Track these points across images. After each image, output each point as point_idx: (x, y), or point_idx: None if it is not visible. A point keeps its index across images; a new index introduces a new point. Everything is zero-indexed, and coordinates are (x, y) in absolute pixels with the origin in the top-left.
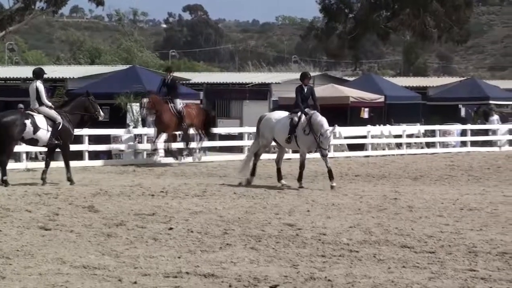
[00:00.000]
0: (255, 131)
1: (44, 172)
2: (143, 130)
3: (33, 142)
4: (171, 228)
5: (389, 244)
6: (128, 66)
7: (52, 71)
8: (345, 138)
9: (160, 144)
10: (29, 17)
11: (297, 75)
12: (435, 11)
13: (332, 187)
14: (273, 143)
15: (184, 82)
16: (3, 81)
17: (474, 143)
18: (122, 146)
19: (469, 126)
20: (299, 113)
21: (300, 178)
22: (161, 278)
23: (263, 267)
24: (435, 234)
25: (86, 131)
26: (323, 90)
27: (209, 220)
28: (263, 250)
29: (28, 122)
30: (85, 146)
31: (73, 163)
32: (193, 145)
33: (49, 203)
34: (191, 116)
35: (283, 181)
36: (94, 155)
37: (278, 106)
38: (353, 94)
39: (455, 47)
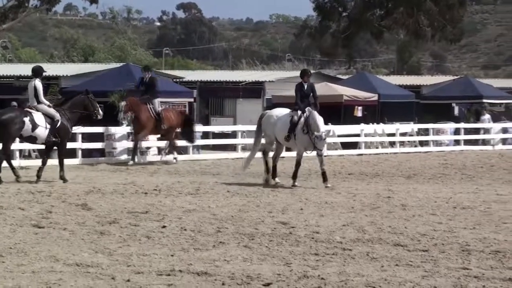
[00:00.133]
0: (248, 129)
1: (41, 169)
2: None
3: (32, 139)
4: (164, 226)
5: (382, 243)
6: (121, 64)
7: (46, 69)
8: (339, 136)
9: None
10: (22, 14)
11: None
12: (429, 10)
13: (326, 187)
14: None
15: (177, 80)
16: None
17: (467, 142)
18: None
19: (462, 125)
20: (299, 112)
21: (294, 176)
22: (154, 276)
23: (256, 265)
24: (428, 232)
25: (79, 129)
26: (316, 89)
27: (202, 218)
28: (256, 248)
29: (26, 119)
30: (78, 144)
31: (67, 161)
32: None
33: (42, 201)
34: (169, 120)
35: (277, 179)
36: (87, 153)
37: (272, 104)
38: (347, 92)
39: (449, 46)
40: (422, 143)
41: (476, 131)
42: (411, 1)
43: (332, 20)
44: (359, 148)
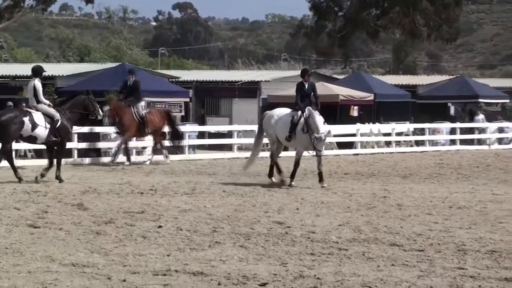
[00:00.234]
0: (244, 129)
1: (46, 169)
2: None
3: (32, 139)
4: (160, 226)
5: (378, 242)
6: (117, 63)
7: None
8: (335, 136)
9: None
10: (18, 14)
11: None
12: (425, 10)
13: (322, 187)
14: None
15: (173, 80)
16: None
17: (463, 141)
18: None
19: (458, 125)
20: (299, 112)
21: (292, 176)
22: (150, 276)
23: (252, 265)
24: (424, 232)
25: (75, 129)
26: None
27: (198, 218)
28: (252, 248)
29: (26, 119)
30: (74, 144)
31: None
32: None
33: (38, 201)
34: (154, 122)
35: (273, 178)
36: (83, 153)
37: (267, 104)
38: (343, 92)
39: (445, 46)
40: (418, 143)
41: (472, 131)
42: (407, 0)
43: (328, 19)
44: (355, 147)
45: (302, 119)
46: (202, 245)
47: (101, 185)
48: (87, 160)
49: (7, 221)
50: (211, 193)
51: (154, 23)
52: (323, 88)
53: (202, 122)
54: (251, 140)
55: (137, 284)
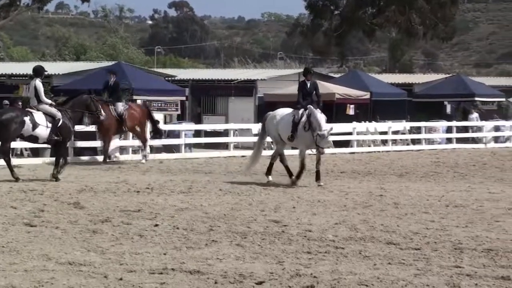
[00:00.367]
0: (240, 127)
1: (55, 168)
2: None
3: (33, 139)
4: (156, 225)
5: (375, 241)
6: (113, 62)
7: None
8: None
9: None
10: (14, 13)
11: (283, 72)
12: (421, 8)
13: (319, 186)
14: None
15: (169, 78)
16: None
17: (459, 140)
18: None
19: (454, 123)
20: (301, 111)
21: (298, 177)
22: (147, 275)
23: (248, 264)
24: (420, 230)
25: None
26: None
27: (195, 216)
28: (249, 246)
29: (27, 119)
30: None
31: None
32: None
33: (34, 199)
34: (133, 119)
35: (270, 177)
36: (79, 152)
37: (263, 102)
38: (339, 90)
39: (441, 44)
40: (414, 141)
41: (467, 129)
42: None
43: (324, 18)
44: (351, 146)
45: (304, 117)
46: (198, 243)
47: (97, 183)
48: (83, 158)
49: (4, 219)
50: (207, 192)
51: (150, 22)
52: (319, 87)
53: (198, 121)
54: (247, 139)
55: (133, 283)
